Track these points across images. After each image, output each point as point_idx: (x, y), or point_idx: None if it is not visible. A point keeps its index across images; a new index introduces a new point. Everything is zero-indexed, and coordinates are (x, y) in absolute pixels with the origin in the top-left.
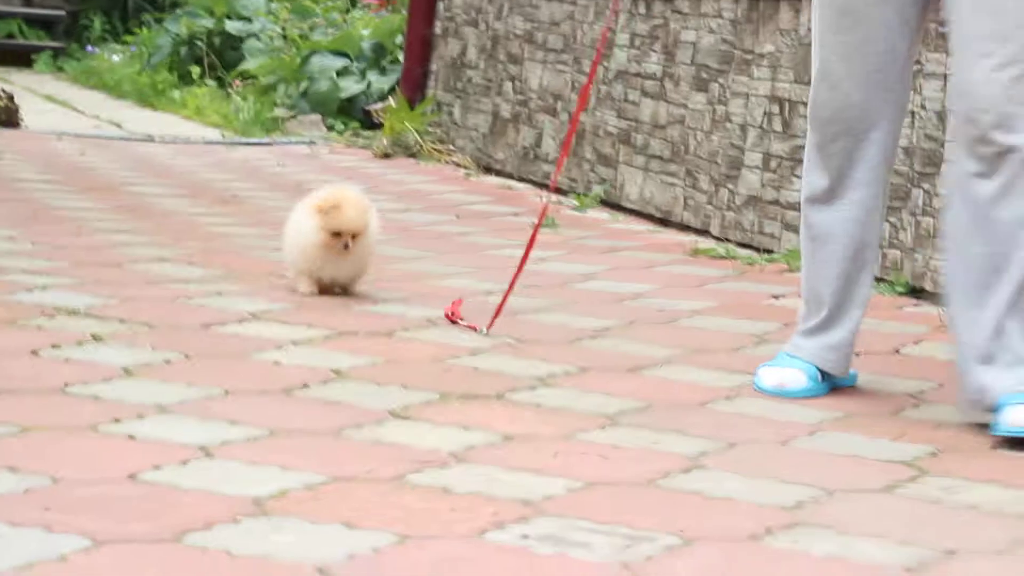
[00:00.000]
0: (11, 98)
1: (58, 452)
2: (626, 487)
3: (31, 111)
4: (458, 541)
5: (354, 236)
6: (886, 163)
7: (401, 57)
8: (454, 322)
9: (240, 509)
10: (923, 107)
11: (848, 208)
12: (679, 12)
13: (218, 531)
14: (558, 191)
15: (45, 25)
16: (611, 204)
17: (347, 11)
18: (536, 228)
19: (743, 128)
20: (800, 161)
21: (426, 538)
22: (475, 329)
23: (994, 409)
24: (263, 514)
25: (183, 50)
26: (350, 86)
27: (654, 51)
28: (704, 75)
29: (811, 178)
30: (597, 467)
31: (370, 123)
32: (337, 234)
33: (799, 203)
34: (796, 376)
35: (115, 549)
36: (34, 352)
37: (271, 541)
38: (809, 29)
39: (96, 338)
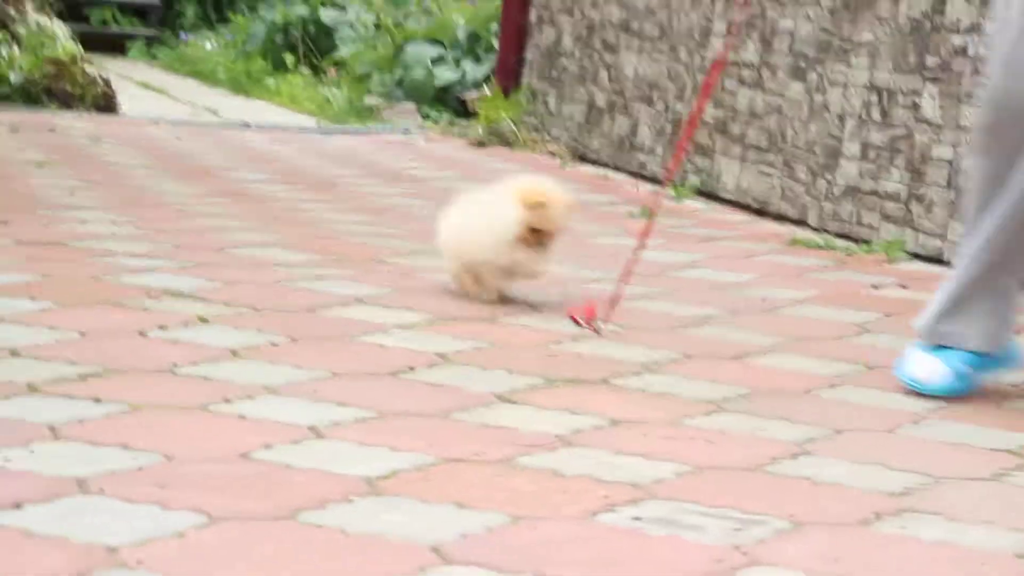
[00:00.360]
0: (108, 83)
1: (169, 430)
2: (734, 472)
3: (126, 97)
4: (570, 522)
5: (551, 235)
6: None
7: (496, 45)
8: (577, 323)
9: (352, 488)
10: None
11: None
12: (777, 1)
13: (331, 509)
14: (654, 181)
15: (139, 13)
16: (707, 194)
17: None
18: (650, 222)
19: (841, 117)
20: (898, 151)
21: (538, 519)
22: (595, 331)
23: None
24: (375, 494)
25: (278, 38)
26: (444, 74)
27: (751, 40)
28: (802, 64)
29: (978, 161)
30: (705, 452)
31: (465, 112)
32: (538, 231)
33: (897, 193)
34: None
35: (230, 526)
36: (141, 333)
37: (384, 520)
38: (909, 17)
39: (202, 320)
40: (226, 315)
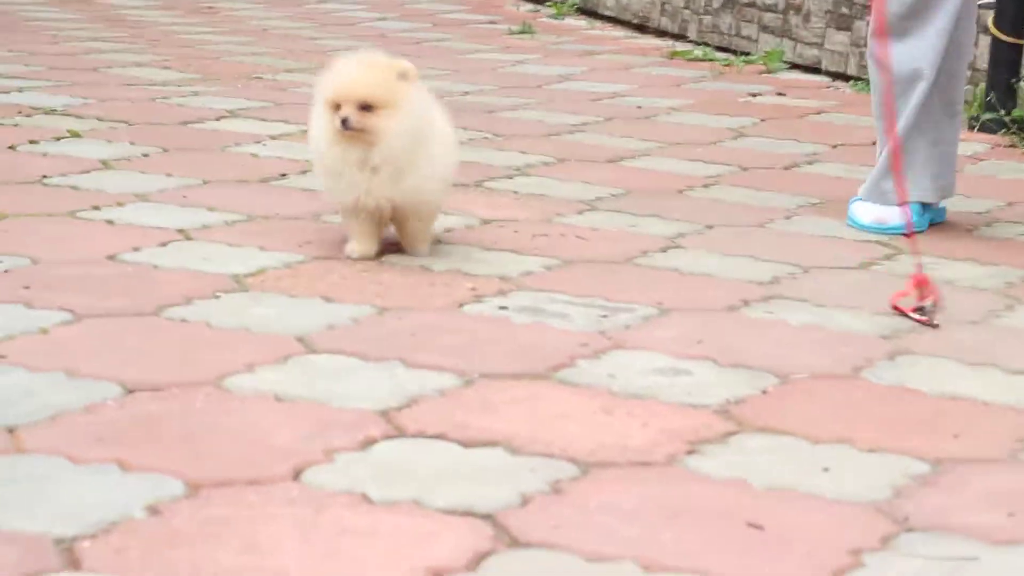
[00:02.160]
0: None
1: (37, 237)
2: (603, 264)
3: None
4: (437, 313)
5: (363, 108)
6: None
7: None
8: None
9: (219, 286)
10: None
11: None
12: None
13: (198, 305)
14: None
15: None
16: (588, 12)
17: None
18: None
19: None
20: None
21: (405, 310)
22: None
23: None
24: (242, 290)
25: None
26: None
27: None
28: None
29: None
30: (575, 247)
31: None
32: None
33: (775, 4)
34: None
35: (95, 323)
36: (11, 147)
37: (251, 314)
38: None
39: (73, 134)
40: (99, 129)
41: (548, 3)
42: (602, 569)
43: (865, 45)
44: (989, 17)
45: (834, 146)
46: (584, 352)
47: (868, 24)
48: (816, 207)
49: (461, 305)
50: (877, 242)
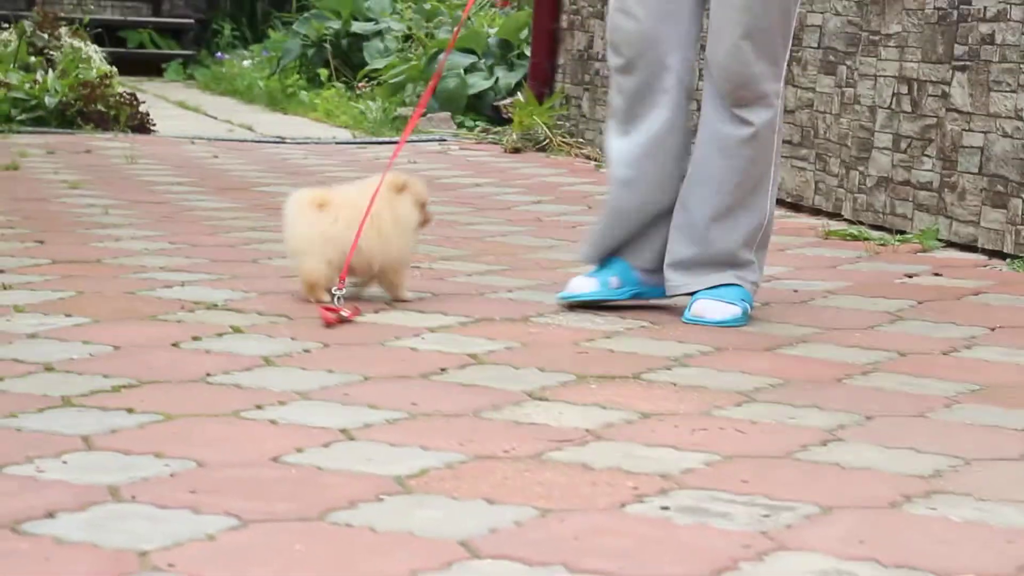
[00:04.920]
0: (142, 103)
1: (202, 438)
2: (764, 460)
3: (163, 117)
4: (599, 514)
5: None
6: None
7: (528, 52)
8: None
9: (382, 488)
10: None
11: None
12: None
13: (361, 509)
14: None
15: (175, 34)
16: None
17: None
18: None
19: (872, 110)
20: (930, 140)
21: (567, 511)
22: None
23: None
24: (405, 492)
25: (312, 53)
26: (478, 82)
27: None
28: (832, 58)
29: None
30: (735, 441)
31: (499, 119)
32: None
33: (929, 182)
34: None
35: (261, 528)
36: (175, 344)
37: (414, 517)
38: (936, 8)
39: (235, 330)
40: (260, 324)
41: None
42: None
43: (1023, 222)
44: None
45: (993, 328)
46: (746, 554)
47: None
48: (976, 394)
49: (623, 505)
50: None
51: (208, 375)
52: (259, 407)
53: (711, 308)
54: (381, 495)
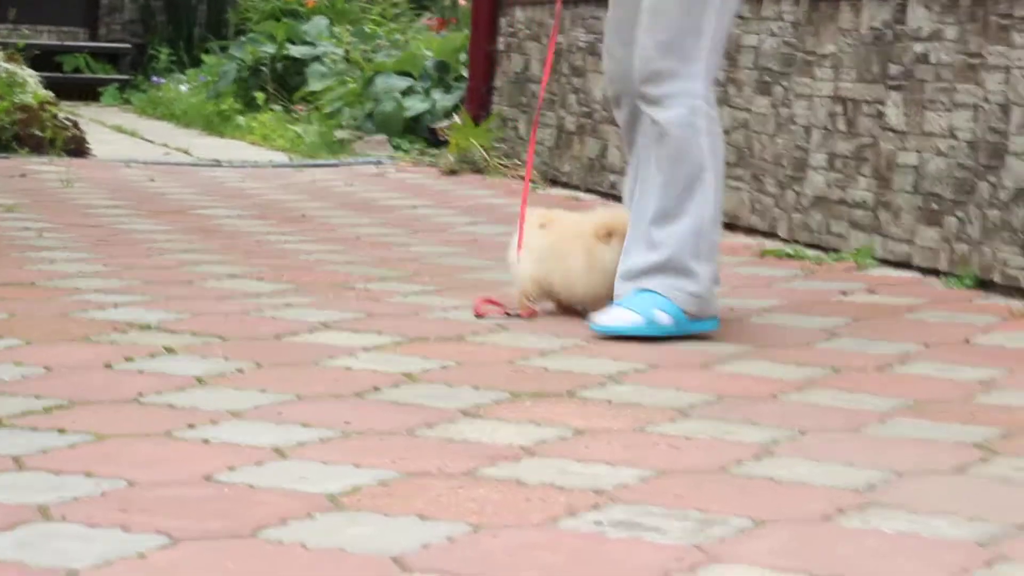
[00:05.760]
0: (76, 124)
1: (133, 457)
2: (698, 475)
3: (100, 141)
4: (532, 529)
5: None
6: None
7: (465, 74)
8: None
9: (315, 505)
10: (986, 100)
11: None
12: (739, 17)
13: (293, 526)
14: (617, 199)
15: (111, 58)
16: None
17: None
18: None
19: (807, 129)
20: (865, 159)
21: (500, 527)
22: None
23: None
24: (337, 509)
25: (248, 77)
26: (415, 105)
27: None
28: (767, 78)
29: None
30: (669, 457)
31: (436, 141)
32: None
33: (864, 201)
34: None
35: (192, 546)
36: (107, 365)
37: (346, 534)
38: (871, 27)
39: (168, 350)
40: (193, 345)
41: None
42: None
43: (957, 240)
44: None
45: (927, 345)
46: (679, 567)
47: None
48: (909, 409)
49: (556, 520)
50: (972, 444)
51: (140, 395)
52: (191, 426)
53: (608, 315)
54: (313, 513)
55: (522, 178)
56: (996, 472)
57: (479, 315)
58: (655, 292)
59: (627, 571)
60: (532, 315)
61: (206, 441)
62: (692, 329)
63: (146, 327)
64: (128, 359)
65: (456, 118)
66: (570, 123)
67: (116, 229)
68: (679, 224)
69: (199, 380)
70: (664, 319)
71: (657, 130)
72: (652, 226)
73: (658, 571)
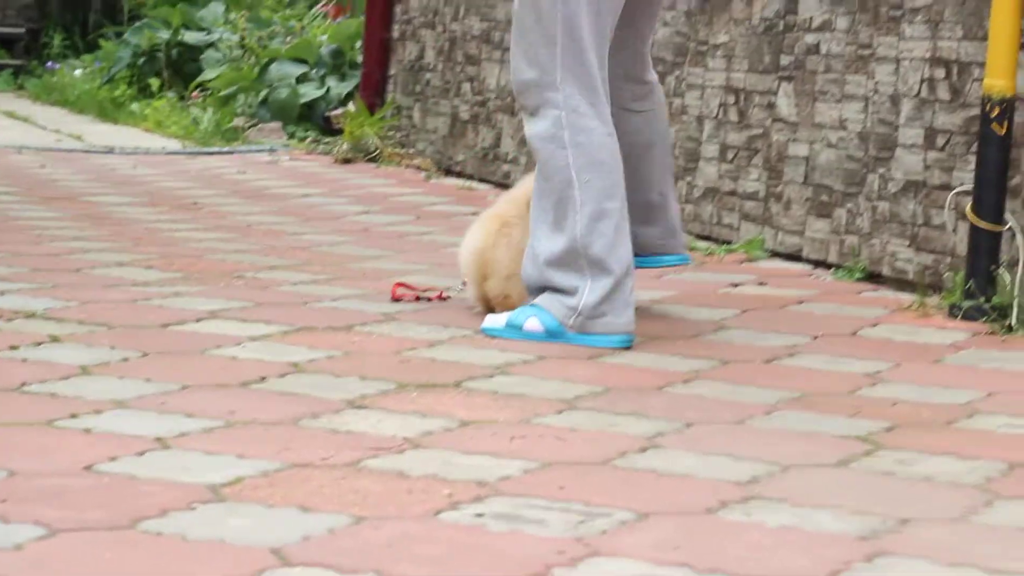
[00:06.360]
0: None
1: (13, 447)
2: (582, 466)
3: None
4: (413, 521)
5: None
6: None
7: (360, 62)
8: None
9: (196, 496)
10: (876, 91)
11: None
12: None
13: (173, 517)
14: (507, 188)
15: (5, 43)
16: None
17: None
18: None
19: (699, 120)
20: (756, 151)
21: (381, 519)
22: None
23: None
24: (219, 500)
25: (143, 63)
26: (309, 92)
27: None
28: (660, 68)
29: None
30: (553, 449)
31: (330, 129)
32: None
33: (756, 192)
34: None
35: (70, 537)
36: None
37: (226, 525)
38: (762, 18)
39: (54, 339)
40: (79, 333)
41: None
42: None
43: (846, 232)
44: (968, 204)
45: (815, 337)
46: (560, 560)
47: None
48: (796, 401)
49: (438, 512)
50: (856, 438)
51: (24, 384)
52: (74, 416)
53: (492, 317)
54: (194, 504)
55: (416, 167)
56: (880, 465)
57: (396, 299)
58: (536, 304)
59: (507, 564)
60: (443, 299)
61: (88, 431)
62: (580, 342)
63: (32, 315)
64: (12, 347)
65: (351, 106)
66: (464, 112)
67: (5, 215)
68: (552, 241)
69: (83, 369)
70: (534, 326)
71: (528, 143)
72: (532, 238)
73: (539, 564)
